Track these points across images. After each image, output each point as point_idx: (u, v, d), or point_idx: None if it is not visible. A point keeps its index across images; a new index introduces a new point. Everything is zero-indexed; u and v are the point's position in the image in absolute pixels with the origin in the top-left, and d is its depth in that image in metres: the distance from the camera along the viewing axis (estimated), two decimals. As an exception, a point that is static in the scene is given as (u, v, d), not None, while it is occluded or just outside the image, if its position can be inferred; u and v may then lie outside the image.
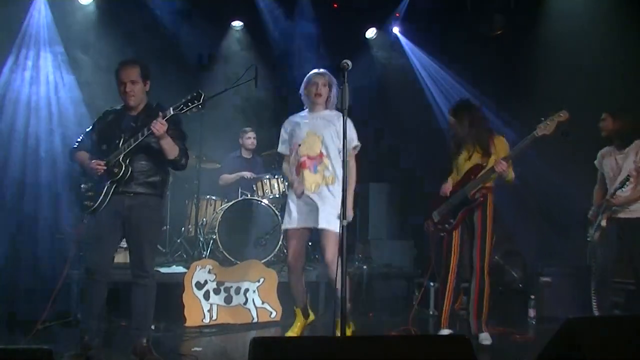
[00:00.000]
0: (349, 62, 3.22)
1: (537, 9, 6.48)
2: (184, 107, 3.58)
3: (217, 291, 4.98)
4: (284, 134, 4.30)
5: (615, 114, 4.78)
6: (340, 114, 3.65)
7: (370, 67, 7.59)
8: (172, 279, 5.14)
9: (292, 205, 4.15)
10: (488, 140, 4.47)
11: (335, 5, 7.34)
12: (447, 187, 4.57)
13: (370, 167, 6.76)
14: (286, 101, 7.29)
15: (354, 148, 4.12)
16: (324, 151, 4.08)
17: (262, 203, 5.95)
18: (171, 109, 3.59)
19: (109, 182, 3.65)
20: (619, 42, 5.71)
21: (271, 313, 5.09)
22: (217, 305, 4.95)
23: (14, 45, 5.73)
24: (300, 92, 4.25)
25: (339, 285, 3.42)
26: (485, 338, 4.49)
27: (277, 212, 5.89)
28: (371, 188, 7.05)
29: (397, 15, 7.49)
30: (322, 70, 4.21)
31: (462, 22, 6.86)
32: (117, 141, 3.67)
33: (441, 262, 4.62)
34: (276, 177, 6.30)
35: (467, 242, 4.54)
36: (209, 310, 4.90)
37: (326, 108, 4.17)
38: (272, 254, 5.77)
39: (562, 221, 6.21)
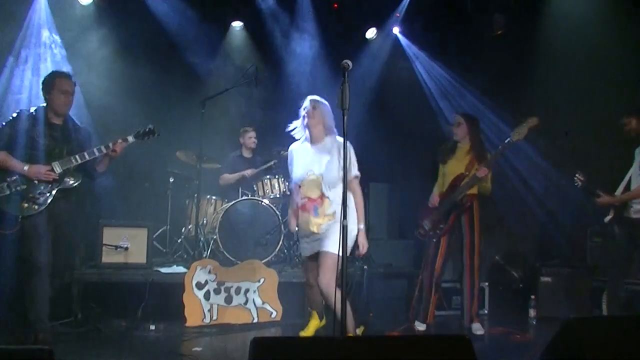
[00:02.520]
0: (349, 62, 3.22)
1: (538, 9, 6.47)
2: (144, 137, 4.15)
3: (217, 291, 4.98)
4: (289, 167, 4.19)
5: (638, 114, 4.68)
6: (340, 141, 3.75)
7: (370, 67, 7.58)
8: (172, 279, 5.15)
9: (302, 237, 4.13)
10: (485, 152, 4.88)
11: (336, 6, 7.33)
12: (436, 198, 4.94)
13: (370, 167, 6.75)
14: (286, 101, 7.29)
15: (355, 177, 3.98)
16: (324, 191, 3.95)
17: (263, 203, 5.95)
18: (132, 136, 4.13)
19: (57, 189, 3.96)
20: (619, 42, 5.70)
21: (271, 313, 5.09)
22: (218, 305, 4.95)
23: (14, 45, 5.73)
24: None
25: (339, 295, 3.51)
26: (478, 328, 4.85)
27: (277, 212, 5.89)
28: (371, 188, 7.05)
29: (397, 15, 7.48)
30: (308, 98, 4.05)
31: (462, 22, 6.85)
32: (58, 150, 3.97)
33: (426, 262, 4.98)
34: (276, 177, 6.30)
35: (456, 246, 4.91)
36: (209, 310, 4.90)
37: (326, 134, 4.00)
38: (273, 254, 5.77)
39: (562, 221, 6.21)
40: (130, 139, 4.10)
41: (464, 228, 4.85)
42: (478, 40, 6.78)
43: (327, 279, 3.80)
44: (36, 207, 3.89)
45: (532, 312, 5.45)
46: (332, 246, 3.83)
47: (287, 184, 6.29)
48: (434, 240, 4.90)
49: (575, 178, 4.75)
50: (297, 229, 4.22)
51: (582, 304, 5.46)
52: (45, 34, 5.90)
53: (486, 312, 5.75)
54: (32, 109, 4.01)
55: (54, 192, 3.96)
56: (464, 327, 4.91)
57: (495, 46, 6.73)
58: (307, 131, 3.99)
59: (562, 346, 2.33)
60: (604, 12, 5.89)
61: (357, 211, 3.96)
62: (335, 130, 3.97)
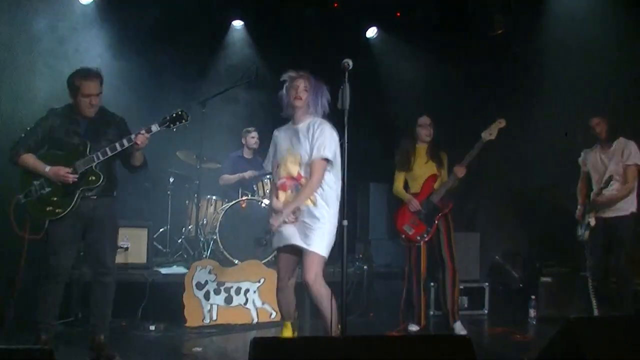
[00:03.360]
0: (350, 62, 3.22)
1: (538, 9, 6.47)
2: (170, 124, 3.81)
3: (217, 291, 4.99)
4: (270, 150, 3.91)
5: (605, 115, 4.91)
6: (319, 122, 3.62)
7: (370, 67, 7.58)
8: (172, 279, 5.15)
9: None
10: (440, 153, 5.03)
11: (336, 5, 7.34)
12: (416, 203, 4.90)
13: (370, 167, 6.76)
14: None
15: (323, 159, 3.60)
16: (302, 172, 3.67)
17: (263, 203, 5.95)
18: (157, 124, 3.79)
19: (80, 189, 3.75)
20: (619, 42, 5.70)
21: (271, 313, 5.09)
22: (218, 305, 4.95)
23: (14, 45, 5.73)
24: (280, 95, 3.79)
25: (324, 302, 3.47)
26: (461, 328, 4.83)
27: (277, 212, 5.89)
28: (371, 188, 7.04)
29: (398, 14, 7.48)
30: (301, 72, 3.74)
31: (463, 22, 6.85)
32: (82, 148, 3.77)
33: (410, 268, 5.04)
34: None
35: (435, 246, 4.93)
36: (209, 311, 4.91)
37: (307, 113, 3.72)
38: (273, 254, 5.74)
39: (562, 221, 6.20)
40: (154, 128, 3.79)
41: (441, 229, 4.89)
42: (478, 40, 6.77)
43: (313, 275, 3.53)
44: (59, 210, 3.71)
45: (532, 312, 5.45)
46: (317, 246, 3.56)
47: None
48: (418, 244, 4.94)
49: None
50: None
51: (582, 304, 5.46)
52: (45, 33, 5.89)
53: (486, 312, 5.76)
54: (59, 108, 3.88)
55: (77, 193, 3.76)
56: (448, 327, 4.90)
57: (495, 46, 6.72)
58: (291, 106, 3.69)
59: (562, 346, 2.34)
60: (604, 11, 5.89)
61: (304, 188, 3.61)
62: (320, 111, 3.71)
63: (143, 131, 3.75)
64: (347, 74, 3.20)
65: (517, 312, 5.63)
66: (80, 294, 4.80)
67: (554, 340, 2.39)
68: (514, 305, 5.83)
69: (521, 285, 6.18)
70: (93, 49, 6.28)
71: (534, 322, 5.38)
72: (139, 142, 3.73)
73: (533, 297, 5.50)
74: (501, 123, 4.74)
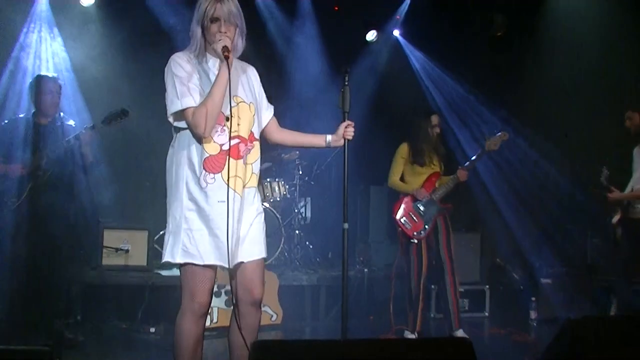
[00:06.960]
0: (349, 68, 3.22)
1: (539, 9, 6.48)
2: (112, 121, 4.07)
3: (217, 294, 4.97)
4: (190, 84, 2.61)
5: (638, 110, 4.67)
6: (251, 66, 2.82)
7: (370, 70, 7.58)
8: (173, 282, 5.13)
9: (199, 223, 2.70)
10: (443, 150, 4.92)
11: (336, 8, 7.34)
12: (424, 192, 4.72)
13: (371, 169, 6.76)
14: (286, 103, 7.29)
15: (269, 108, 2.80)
16: (254, 131, 2.65)
17: (263, 206, 5.93)
18: (100, 122, 4.08)
19: (31, 183, 4.08)
20: (620, 41, 5.71)
21: (272, 316, 5.09)
22: (218, 308, 4.94)
23: (15, 48, 5.73)
24: (192, 27, 2.74)
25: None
26: (462, 334, 4.61)
27: (277, 215, 5.90)
28: (372, 190, 7.05)
29: (398, 17, 7.49)
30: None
31: (463, 23, 6.86)
32: (41, 145, 4.11)
33: (410, 268, 4.73)
34: (277, 180, 6.29)
35: (433, 247, 4.73)
36: (209, 313, 4.89)
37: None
38: (273, 257, 5.76)
39: (563, 222, 6.21)
40: (98, 125, 4.09)
41: (440, 229, 4.70)
42: (479, 41, 6.78)
43: (261, 292, 2.81)
44: (14, 200, 4.02)
45: (532, 314, 5.44)
46: (263, 250, 2.79)
47: (287, 187, 6.28)
48: (414, 242, 4.68)
49: (603, 172, 4.68)
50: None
51: (582, 304, 5.46)
52: (45, 35, 5.90)
53: (487, 314, 5.75)
54: (21, 114, 4.27)
55: (29, 186, 4.08)
56: (450, 332, 4.66)
57: (496, 47, 6.73)
58: (225, 42, 2.52)
59: (562, 346, 2.33)
60: (605, 11, 5.90)
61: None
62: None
63: (84, 130, 4.09)
64: (347, 76, 3.20)
65: (518, 313, 5.63)
66: (80, 296, 4.80)
67: (555, 341, 2.38)
68: (515, 307, 5.82)
69: (522, 286, 6.18)
70: (94, 51, 6.29)
71: (535, 324, 5.37)
72: (85, 138, 4.05)
73: (534, 298, 5.50)
74: (505, 136, 4.65)
